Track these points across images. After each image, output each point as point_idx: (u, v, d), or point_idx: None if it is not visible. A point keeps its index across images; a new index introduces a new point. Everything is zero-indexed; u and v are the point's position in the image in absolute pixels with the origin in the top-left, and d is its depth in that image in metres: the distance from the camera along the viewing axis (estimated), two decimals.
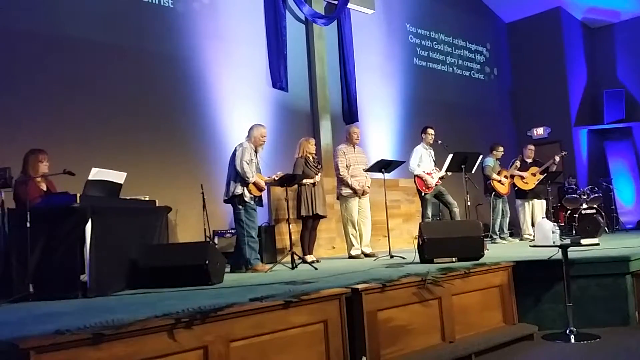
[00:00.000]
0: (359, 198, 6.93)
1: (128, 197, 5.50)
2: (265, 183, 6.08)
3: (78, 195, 4.24)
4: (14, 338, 2.39)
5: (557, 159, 8.67)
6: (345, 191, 6.90)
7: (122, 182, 4.94)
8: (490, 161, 8.59)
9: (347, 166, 6.89)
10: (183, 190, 7.23)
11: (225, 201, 5.99)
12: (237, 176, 5.83)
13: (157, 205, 5.60)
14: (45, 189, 4.92)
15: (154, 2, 7.53)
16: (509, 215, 8.72)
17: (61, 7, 6.71)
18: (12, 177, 4.41)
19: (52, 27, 6.61)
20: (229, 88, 8.12)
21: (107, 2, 7.11)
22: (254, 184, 5.84)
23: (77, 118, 6.62)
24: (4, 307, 3.75)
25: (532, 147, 9.05)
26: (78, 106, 6.67)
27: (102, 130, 6.78)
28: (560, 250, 4.56)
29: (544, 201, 8.68)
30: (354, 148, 7.08)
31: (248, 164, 5.81)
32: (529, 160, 8.86)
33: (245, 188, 5.81)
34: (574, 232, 8.80)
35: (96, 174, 4.63)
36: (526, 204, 8.77)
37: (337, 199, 7.07)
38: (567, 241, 4.64)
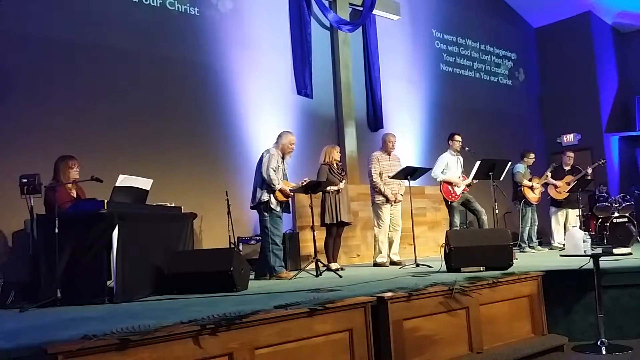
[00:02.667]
0: (392, 205, 6.89)
1: (154, 204, 5.55)
2: (293, 190, 6.06)
3: (105, 201, 4.29)
4: (43, 343, 2.42)
5: (590, 170, 8.46)
6: (378, 198, 6.89)
7: (148, 188, 4.99)
8: (521, 168, 8.45)
9: (380, 173, 6.86)
10: (208, 196, 7.27)
11: (252, 207, 6.00)
12: (263, 183, 5.82)
13: (182, 211, 5.63)
14: (75, 195, 4.98)
15: (180, 10, 7.62)
16: (537, 223, 8.55)
17: (88, 15, 6.82)
18: (42, 183, 4.49)
19: (80, 35, 6.71)
20: (254, 95, 8.16)
21: (134, 10, 7.21)
22: (281, 191, 5.83)
23: (104, 125, 6.71)
24: (32, 312, 3.81)
25: (571, 154, 8.85)
26: (105, 113, 6.75)
27: (129, 137, 6.86)
28: (591, 259, 4.45)
29: (577, 211, 8.50)
30: (389, 156, 7.05)
31: (274, 171, 5.80)
32: (567, 168, 8.69)
33: (271, 195, 5.80)
34: (605, 241, 8.60)
35: (123, 180, 4.68)
36: (559, 212, 8.61)
37: (372, 205, 7.05)
38: (599, 250, 4.53)
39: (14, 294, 4.43)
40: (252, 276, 5.88)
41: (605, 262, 4.71)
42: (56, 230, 4.06)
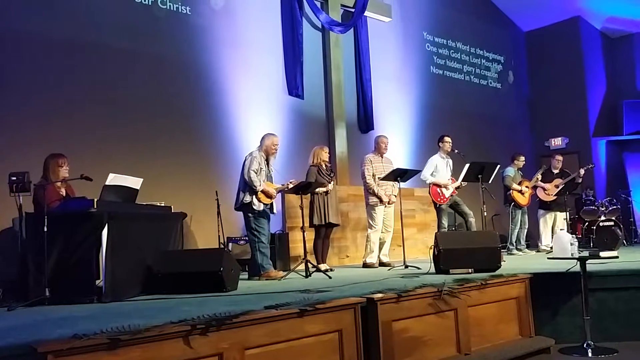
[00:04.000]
0: (385, 207, 6.93)
1: (144, 203, 5.54)
2: (278, 191, 6.10)
3: (95, 200, 4.28)
4: (32, 341, 2.41)
5: (582, 171, 8.55)
6: (372, 200, 6.92)
7: (138, 187, 4.98)
8: (510, 171, 8.51)
9: (373, 175, 6.90)
10: (198, 196, 7.25)
11: (236, 209, 6.06)
12: (245, 185, 5.90)
13: (172, 211, 5.63)
14: (64, 193, 4.95)
15: (171, 9, 7.60)
16: (527, 226, 8.61)
17: (79, 14, 6.78)
18: (31, 181, 4.46)
19: (71, 33, 6.67)
20: (245, 95, 8.15)
21: (126, 9, 7.18)
22: (263, 192, 5.87)
23: (95, 124, 6.67)
24: (20, 311, 3.79)
25: (559, 157, 8.94)
26: (95, 112, 6.72)
27: (119, 136, 6.83)
28: (578, 262, 4.50)
29: (565, 214, 8.58)
30: (382, 157, 7.09)
31: (256, 172, 5.85)
32: (556, 171, 8.77)
33: (254, 197, 5.85)
34: (591, 244, 8.68)
35: (113, 179, 4.66)
36: (548, 215, 8.68)
37: (366, 207, 7.08)
38: (585, 254, 4.58)
39: (2, 293, 4.40)
40: (245, 276, 5.90)
41: (592, 265, 4.75)
42: (45, 229, 4.04)
